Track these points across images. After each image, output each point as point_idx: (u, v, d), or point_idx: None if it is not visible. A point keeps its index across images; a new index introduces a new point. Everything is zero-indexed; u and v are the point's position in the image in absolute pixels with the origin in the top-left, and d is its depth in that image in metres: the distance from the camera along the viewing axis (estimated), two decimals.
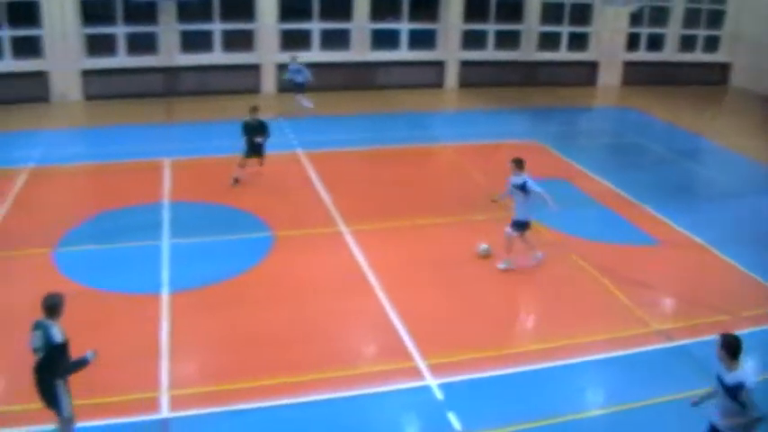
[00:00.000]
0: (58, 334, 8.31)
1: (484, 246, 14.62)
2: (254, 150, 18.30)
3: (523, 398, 10.29)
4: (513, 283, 13.79)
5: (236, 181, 18.11)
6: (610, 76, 33.08)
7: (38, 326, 8.43)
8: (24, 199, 17.39)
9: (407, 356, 11.13)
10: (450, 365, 10.91)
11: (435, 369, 10.78)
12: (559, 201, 14.58)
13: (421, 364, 10.92)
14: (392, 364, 10.99)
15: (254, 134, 18.15)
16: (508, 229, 14.04)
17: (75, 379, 10.21)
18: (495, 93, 29.82)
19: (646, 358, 11.37)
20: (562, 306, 12.97)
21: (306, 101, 25.92)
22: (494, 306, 12.89)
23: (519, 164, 13.92)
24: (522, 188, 13.73)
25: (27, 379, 10.28)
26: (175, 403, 10.03)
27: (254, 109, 18.29)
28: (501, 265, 14.09)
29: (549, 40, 32.17)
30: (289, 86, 26.52)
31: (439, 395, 10.25)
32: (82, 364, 8.58)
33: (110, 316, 12.30)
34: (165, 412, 9.87)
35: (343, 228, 15.81)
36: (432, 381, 10.54)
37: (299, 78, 25.79)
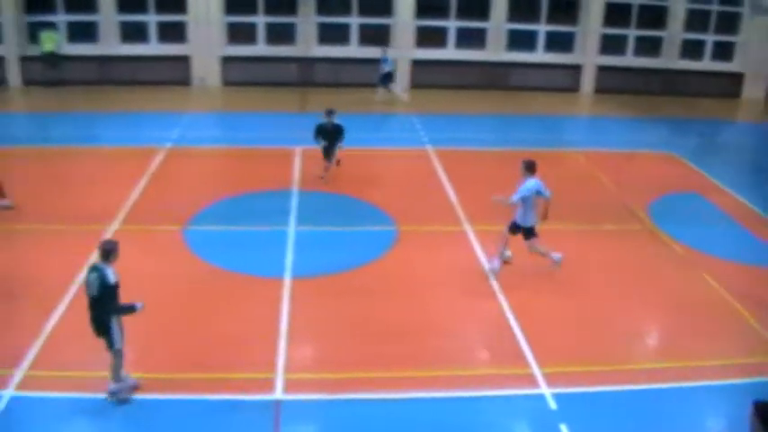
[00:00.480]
0: (111, 276, 9.35)
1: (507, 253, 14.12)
2: (330, 152, 18.05)
3: (639, 417, 9.87)
4: (638, 297, 13.29)
5: (323, 178, 18.05)
6: (755, 89, 31.40)
7: (94, 268, 9.44)
8: (160, 177, 18.09)
9: (523, 362, 10.92)
10: (567, 376, 10.62)
11: (551, 378, 10.51)
12: (692, 216, 14.13)
13: (536, 372, 10.68)
14: (507, 369, 10.81)
15: (329, 137, 17.96)
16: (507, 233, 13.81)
17: (203, 354, 10.60)
18: (632, 100, 28.90)
19: None
20: (688, 325, 12.39)
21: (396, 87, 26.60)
22: (616, 319, 12.45)
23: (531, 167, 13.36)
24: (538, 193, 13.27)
25: (158, 347, 10.75)
26: (289, 386, 10.17)
27: (330, 112, 18.03)
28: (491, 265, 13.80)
29: (692, 49, 30.86)
30: (382, 80, 26.86)
31: (552, 405, 9.99)
32: (130, 309, 9.59)
33: (233, 296, 12.63)
34: (278, 394, 10.02)
35: (467, 227, 15.68)
36: (546, 390, 10.29)
37: (386, 68, 26.44)
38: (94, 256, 9.57)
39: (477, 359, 11.42)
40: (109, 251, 9.50)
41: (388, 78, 26.69)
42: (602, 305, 12.88)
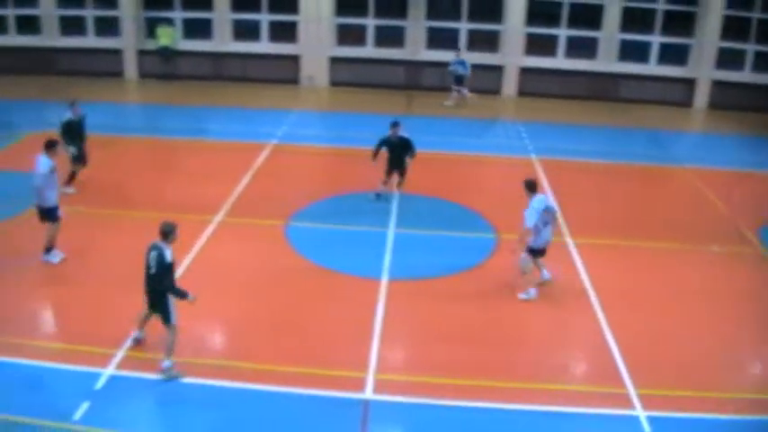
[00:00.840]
0: (168, 255, 10.00)
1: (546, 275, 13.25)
2: (397, 166, 16.86)
3: None
4: (744, 323, 12.77)
5: (378, 197, 17.04)
6: None
7: (154, 247, 10.11)
8: (265, 172, 18.46)
9: (618, 382, 10.65)
10: (664, 400, 10.28)
11: (647, 400, 10.20)
12: None
13: (632, 392, 10.39)
14: (601, 387, 10.56)
15: (397, 151, 16.76)
16: (525, 256, 13.02)
17: (296, 348, 10.74)
18: (749, 118, 27.73)
19: None
20: None
21: (467, 96, 26.45)
22: (722, 344, 11.98)
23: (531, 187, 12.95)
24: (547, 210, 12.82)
25: (254, 338, 10.97)
26: (379, 386, 10.22)
27: (396, 124, 16.93)
28: (522, 296, 12.97)
29: None
30: (451, 81, 26.72)
31: (647, 428, 9.70)
32: (183, 295, 10.10)
33: (330, 293, 12.78)
34: (368, 393, 10.08)
35: (568, 239, 15.41)
36: (641, 412, 9.99)
37: (461, 70, 26.20)
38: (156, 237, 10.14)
39: (571, 375, 11.21)
40: (168, 232, 10.08)
41: (460, 81, 26.57)
42: (703, 329, 12.43)
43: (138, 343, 10.78)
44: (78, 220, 15.12)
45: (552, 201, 13.02)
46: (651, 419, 9.82)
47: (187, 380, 10.12)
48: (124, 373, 10.23)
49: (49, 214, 13.25)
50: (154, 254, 10.02)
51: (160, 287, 10.04)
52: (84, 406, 9.46)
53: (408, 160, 16.83)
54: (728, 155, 23.69)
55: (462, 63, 26.39)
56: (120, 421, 9.27)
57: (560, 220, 16.31)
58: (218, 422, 9.41)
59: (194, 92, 27.21)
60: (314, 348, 11.09)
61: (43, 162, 13.06)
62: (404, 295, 12.78)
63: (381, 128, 20.49)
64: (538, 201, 12.68)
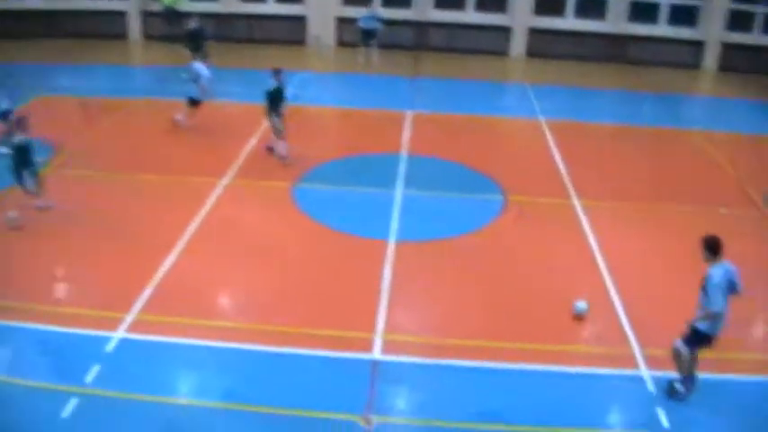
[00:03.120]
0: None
1: (581, 305, 11.28)
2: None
3: (741, 407, 9.58)
4: (749, 285, 12.75)
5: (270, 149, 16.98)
6: None
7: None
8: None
9: (624, 342, 10.72)
10: (669, 360, 10.32)
11: (652, 361, 10.26)
12: None
13: (637, 353, 10.46)
14: (608, 348, 10.63)
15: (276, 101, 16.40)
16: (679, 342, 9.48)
17: (306, 310, 10.80)
18: (758, 81, 27.46)
19: None
20: None
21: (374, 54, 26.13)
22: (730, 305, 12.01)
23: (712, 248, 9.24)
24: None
25: (260, 299, 11.05)
26: (387, 347, 10.30)
27: (278, 72, 16.62)
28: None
29: None
30: (359, 39, 26.45)
31: (651, 388, 9.79)
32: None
33: (337, 255, 12.84)
34: (376, 354, 10.16)
35: (576, 201, 15.39)
36: (646, 372, 10.07)
37: (373, 25, 25.89)
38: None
39: (579, 336, 11.26)
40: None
41: (371, 36, 26.29)
42: None
43: None
44: (86, 183, 15.20)
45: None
46: (656, 379, 9.89)
47: (198, 342, 10.21)
48: (135, 336, 10.31)
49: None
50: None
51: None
52: (96, 369, 9.55)
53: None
54: (737, 118, 23.53)
55: (374, 18, 26.20)
56: (132, 383, 9.37)
57: (567, 182, 16.31)
58: (230, 384, 9.50)
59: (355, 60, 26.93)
60: (322, 310, 11.16)
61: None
62: (411, 257, 12.82)
63: (389, 89, 20.47)
64: (722, 269, 9.16)
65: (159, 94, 21.76)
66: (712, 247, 9.14)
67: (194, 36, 22.18)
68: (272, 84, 16.37)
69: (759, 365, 10.55)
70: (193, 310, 10.90)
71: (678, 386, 9.53)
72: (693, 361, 9.45)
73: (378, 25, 26.26)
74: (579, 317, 11.18)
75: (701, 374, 9.71)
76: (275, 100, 16.34)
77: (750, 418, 9.43)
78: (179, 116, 17.87)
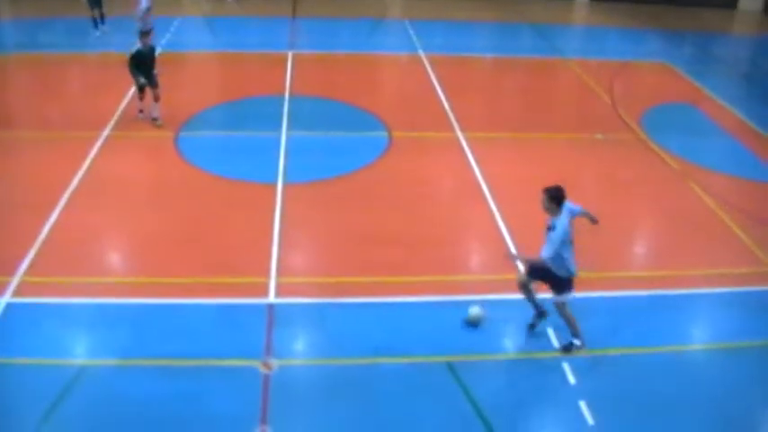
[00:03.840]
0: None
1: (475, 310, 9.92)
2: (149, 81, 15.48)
3: (625, 323, 10.03)
4: (627, 206, 13.37)
5: (141, 112, 15.87)
6: (752, 1, 30.94)
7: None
8: None
9: (513, 269, 11.05)
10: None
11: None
12: (685, 127, 13.91)
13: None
14: (497, 275, 10.93)
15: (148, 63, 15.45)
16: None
17: (198, 259, 10.68)
18: (630, 9, 28.41)
19: (758, 297, 10.81)
20: (676, 236, 12.48)
21: None
22: (604, 228, 12.41)
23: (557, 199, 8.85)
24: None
25: (153, 252, 10.86)
26: (282, 290, 10.31)
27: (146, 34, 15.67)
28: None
29: None
30: None
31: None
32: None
33: (226, 202, 12.68)
34: (271, 297, 10.17)
35: (459, 134, 15.64)
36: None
37: None
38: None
39: (469, 266, 11.59)
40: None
41: None
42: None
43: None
44: None
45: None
46: (546, 301, 10.24)
47: (89, 300, 9.99)
48: (21, 299, 9.94)
49: None
50: None
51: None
52: None
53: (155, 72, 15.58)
54: (611, 46, 24.33)
55: None
56: (23, 349, 9.05)
57: (450, 115, 16.53)
58: (125, 340, 9.29)
59: (69, 4, 25.76)
60: (215, 257, 11.06)
61: None
62: (301, 198, 12.81)
63: (267, 31, 20.15)
64: (566, 216, 8.87)
65: (29, 48, 20.77)
66: (557, 198, 8.78)
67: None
68: (135, 47, 15.04)
69: (636, 282, 11.07)
70: (81, 268, 10.61)
71: (576, 342, 9.39)
72: (570, 315, 9.28)
73: None
74: (474, 321, 9.89)
75: (588, 294, 10.12)
76: (140, 64, 15.05)
77: (634, 329, 9.91)
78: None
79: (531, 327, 9.82)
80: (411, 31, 23.31)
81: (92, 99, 17.12)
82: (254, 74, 19.04)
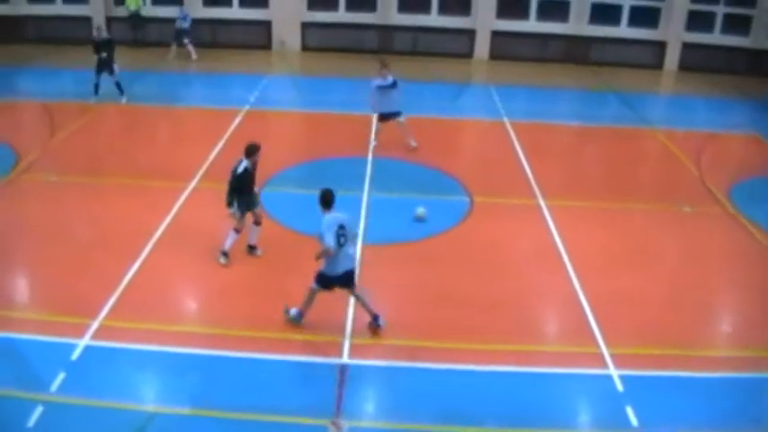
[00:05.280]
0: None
1: (420, 210, 14.30)
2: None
3: (708, 405, 9.68)
4: (715, 282, 12.99)
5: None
6: None
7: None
8: (239, 137, 18.21)
9: (592, 341, 10.80)
10: (636, 358, 10.46)
11: (619, 359, 10.36)
12: None
13: (605, 352, 10.54)
14: (575, 347, 10.72)
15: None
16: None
17: (274, 313, 10.72)
18: (718, 79, 27.95)
19: None
20: (761, 312, 12.00)
21: (192, 50, 26.72)
22: (690, 303, 12.16)
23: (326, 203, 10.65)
24: None
25: (229, 303, 10.97)
26: (356, 350, 10.30)
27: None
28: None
29: None
30: (174, 36, 26.94)
31: (619, 386, 9.85)
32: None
33: (305, 258, 12.72)
34: (345, 357, 10.16)
35: (541, 201, 15.50)
36: (614, 371, 10.14)
37: (185, 24, 26.53)
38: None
39: (547, 335, 11.38)
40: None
41: (183, 35, 26.81)
42: (675, 288, 12.60)
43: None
44: (51, 188, 15.05)
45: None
46: (623, 377, 9.98)
47: (165, 348, 10.14)
48: (100, 342, 10.19)
49: None
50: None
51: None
52: (61, 376, 9.44)
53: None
54: (698, 116, 23.92)
55: (185, 18, 26.75)
56: (98, 391, 9.25)
57: (531, 182, 16.42)
58: (197, 389, 9.41)
59: (164, 58, 26.85)
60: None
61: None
62: (380, 259, 12.83)
63: (354, 92, 20.46)
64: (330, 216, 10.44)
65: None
66: (325, 201, 10.60)
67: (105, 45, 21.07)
68: (242, 164, 12.31)
69: (722, 362, 10.67)
70: (160, 315, 10.82)
71: (293, 312, 10.71)
72: (310, 299, 10.60)
73: (186, 24, 26.83)
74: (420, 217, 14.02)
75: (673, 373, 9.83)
76: (244, 187, 12.41)
77: (715, 412, 9.53)
78: None
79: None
80: (495, 97, 23.39)
81: (181, 151, 17.62)
82: (338, 134, 19.32)
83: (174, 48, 26.90)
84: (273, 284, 11.97)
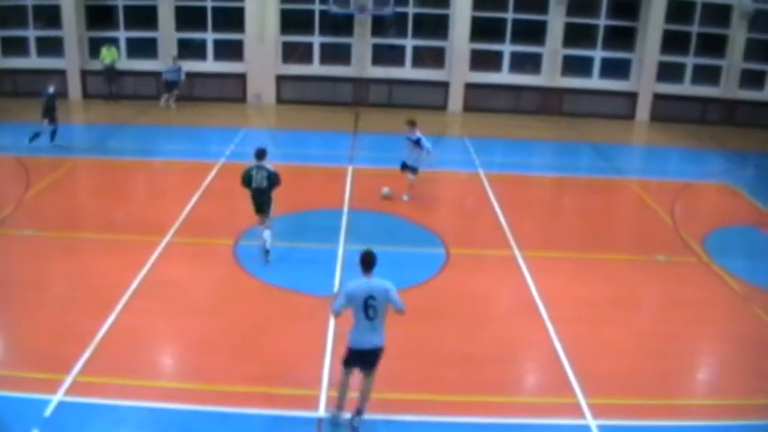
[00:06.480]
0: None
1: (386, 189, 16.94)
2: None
3: None
4: (690, 330, 13.04)
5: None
6: None
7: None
8: (214, 191, 18.35)
9: (569, 391, 10.76)
10: (614, 408, 10.42)
11: (597, 409, 10.31)
12: (748, 250, 13.61)
13: (582, 402, 10.50)
14: (553, 398, 10.67)
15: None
16: None
17: (249, 368, 10.62)
18: (689, 129, 28.44)
19: None
20: (740, 362, 12.07)
21: (173, 102, 27.51)
22: (668, 352, 12.20)
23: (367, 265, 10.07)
24: None
25: (206, 358, 10.84)
26: (331, 403, 10.13)
27: (261, 154, 14.40)
28: None
29: (752, 78, 30.19)
30: (165, 87, 27.67)
31: None
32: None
33: (281, 312, 12.74)
34: (321, 411, 10.04)
35: (517, 252, 15.56)
36: (592, 420, 10.09)
37: (174, 77, 27.32)
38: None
39: (524, 386, 11.34)
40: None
41: (173, 86, 27.56)
42: (651, 337, 12.64)
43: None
44: (25, 243, 14.90)
45: None
46: (601, 428, 9.94)
47: (140, 403, 9.98)
48: (74, 398, 10.01)
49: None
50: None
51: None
52: None
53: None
54: (671, 166, 24.27)
55: (178, 70, 27.48)
56: None
57: (507, 233, 16.50)
58: None
59: (140, 112, 26.94)
60: (267, 367, 11.02)
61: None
62: None
63: (329, 145, 20.62)
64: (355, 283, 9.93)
65: (99, 153, 21.55)
66: (367, 264, 9.97)
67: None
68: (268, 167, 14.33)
69: (700, 410, 10.67)
70: (134, 370, 10.65)
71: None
72: (344, 386, 9.75)
73: (178, 77, 27.56)
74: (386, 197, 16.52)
75: (651, 422, 9.78)
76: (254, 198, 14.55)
77: None
78: None
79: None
80: (470, 148, 23.61)
81: (156, 205, 17.59)
82: (314, 186, 19.38)
83: (165, 95, 27.38)
84: (250, 338, 11.87)
